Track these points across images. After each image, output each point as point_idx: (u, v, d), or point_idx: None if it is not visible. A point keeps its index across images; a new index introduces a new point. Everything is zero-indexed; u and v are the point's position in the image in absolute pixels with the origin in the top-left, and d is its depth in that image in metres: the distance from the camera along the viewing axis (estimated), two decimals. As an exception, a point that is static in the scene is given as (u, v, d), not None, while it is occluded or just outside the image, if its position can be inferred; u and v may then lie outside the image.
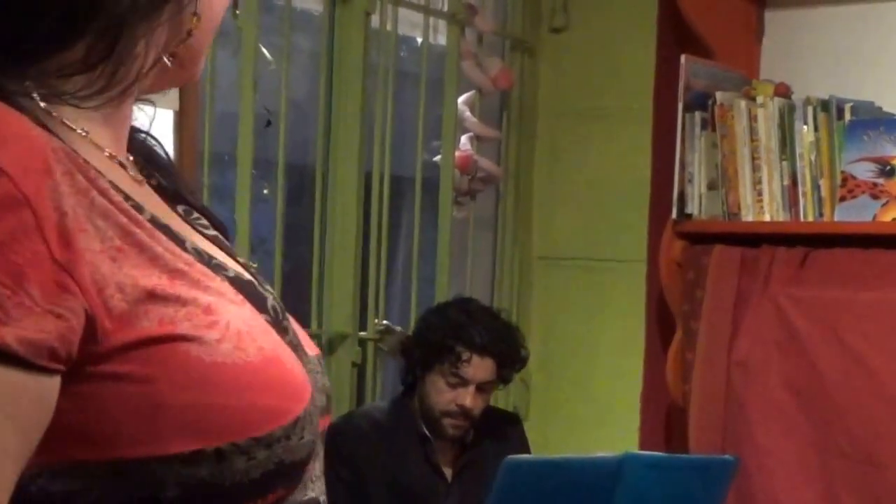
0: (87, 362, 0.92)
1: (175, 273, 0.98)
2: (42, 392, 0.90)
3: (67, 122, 1.01)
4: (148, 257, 0.96)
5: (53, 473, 0.94)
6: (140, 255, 0.96)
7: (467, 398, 3.13)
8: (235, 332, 0.98)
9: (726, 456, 3.10)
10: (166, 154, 1.22)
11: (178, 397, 0.94)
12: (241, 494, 0.97)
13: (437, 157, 3.81)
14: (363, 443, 3.11)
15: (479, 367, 3.14)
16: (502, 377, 3.23)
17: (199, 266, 1.01)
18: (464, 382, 3.13)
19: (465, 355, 3.12)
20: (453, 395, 3.13)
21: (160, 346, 0.94)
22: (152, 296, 0.95)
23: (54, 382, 0.90)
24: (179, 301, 0.96)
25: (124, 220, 0.96)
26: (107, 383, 0.93)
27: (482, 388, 3.16)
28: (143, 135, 1.20)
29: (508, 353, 3.21)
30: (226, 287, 1.03)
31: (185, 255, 1.01)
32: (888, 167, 3.34)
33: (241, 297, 1.03)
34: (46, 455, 0.93)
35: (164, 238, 1.00)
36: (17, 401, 0.88)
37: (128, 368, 0.93)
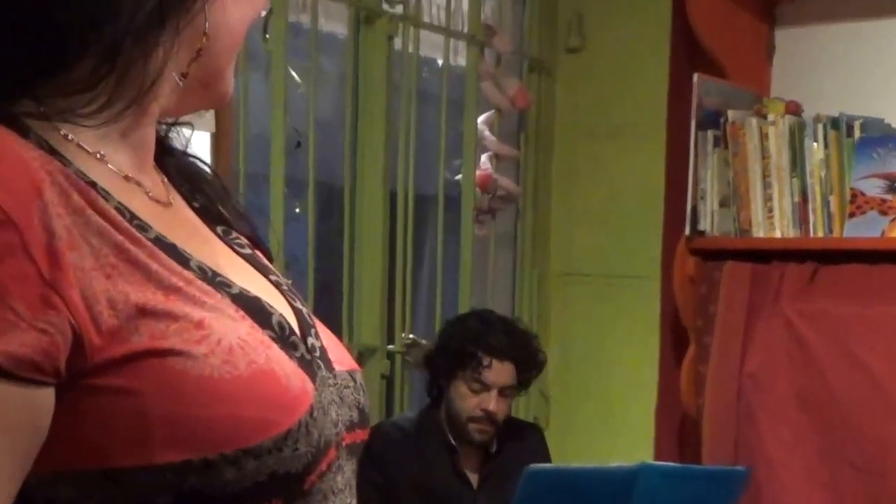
0: (78, 376, 0.92)
1: (170, 289, 0.98)
2: (31, 404, 0.90)
3: (84, 146, 1.02)
4: (143, 274, 0.97)
5: (56, 482, 0.96)
6: (135, 272, 0.96)
7: (491, 402, 3.16)
8: (226, 347, 0.98)
9: (738, 467, 3.11)
10: (215, 177, 1.24)
11: (164, 410, 0.94)
12: (233, 502, 0.98)
13: (458, 176, 3.83)
14: (393, 450, 3.15)
15: (500, 372, 3.18)
16: (522, 382, 3.26)
17: (199, 283, 1.01)
18: (486, 387, 3.17)
19: (486, 361, 3.16)
20: (477, 400, 3.17)
21: (148, 361, 0.94)
22: (144, 311, 0.95)
23: (44, 395, 0.91)
24: (171, 316, 0.96)
25: (121, 238, 0.97)
26: (98, 396, 0.93)
27: (504, 393, 3.20)
28: (193, 158, 1.22)
29: (527, 357, 3.25)
30: (226, 303, 1.02)
31: (185, 272, 1.01)
32: (896, 184, 3.35)
33: (241, 313, 1.03)
34: (48, 464, 0.94)
35: (164, 256, 1.00)
36: (5, 413, 0.89)
37: (117, 382, 0.93)
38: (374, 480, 3.04)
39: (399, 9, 3.57)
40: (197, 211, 1.17)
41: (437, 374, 3.27)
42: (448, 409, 3.22)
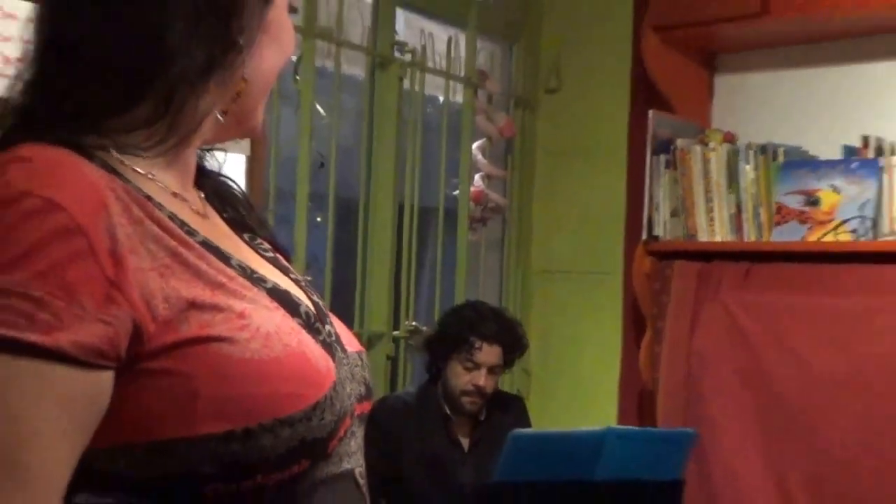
0: (136, 360, 0.91)
1: (215, 285, 0.97)
2: (94, 386, 0.90)
3: (137, 169, 1.00)
4: (193, 273, 0.96)
5: (111, 454, 0.94)
6: (186, 271, 0.95)
7: (480, 378, 3.10)
8: (264, 333, 0.96)
9: (688, 429, 3.07)
10: (242, 193, 1.21)
11: (211, 388, 0.93)
12: (269, 466, 0.95)
13: (456, 192, 3.82)
14: (396, 421, 3.09)
15: (489, 353, 3.12)
16: (507, 361, 3.20)
17: (240, 279, 1.00)
18: (477, 366, 3.11)
19: (478, 344, 3.10)
20: (469, 377, 3.11)
21: (197, 346, 0.93)
22: (193, 304, 0.94)
23: (105, 377, 0.90)
24: (217, 308, 0.95)
25: (174, 243, 0.96)
26: (153, 377, 0.92)
27: (492, 371, 3.14)
28: (224, 178, 1.19)
29: (512, 341, 3.19)
30: (262, 296, 1.01)
31: (228, 270, 0.99)
32: (812, 198, 3.33)
33: (275, 304, 1.01)
34: (105, 438, 0.92)
35: (211, 257, 0.99)
36: (71, 393, 0.88)
37: (170, 365, 0.92)
38: (379, 449, 2.99)
39: (408, 56, 3.58)
40: (227, 221, 1.15)
41: (435, 355, 3.20)
42: (444, 384, 3.16)
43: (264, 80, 1.09)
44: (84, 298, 0.88)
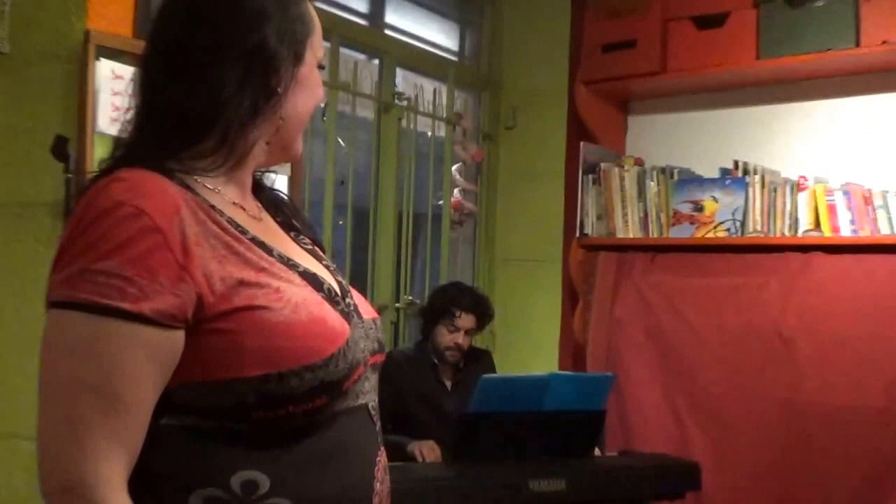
0: (201, 323, 0.93)
1: (259, 269, 0.97)
2: (168, 341, 0.91)
3: (206, 185, 1.02)
4: (242, 260, 0.97)
5: (182, 389, 0.95)
6: (237, 260, 0.96)
7: (459, 338, 3.10)
8: (294, 303, 0.97)
9: (608, 373, 3.09)
10: (290, 201, 1.21)
11: (254, 342, 0.94)
12: (296, 399, 0.96)
13: (440, 202, 3.80)
14: (398, 369, 3.08)
15: (466, 320, 3.11)
16: (479, 325, 3.19)
17: (279, 265, 1.00)
18: (457, 329, 3.10)
19: (458, 313, 3.09)
20: (451, 337, 3.10)
21: (245, 313, 0.94)
22: (242, 283, 0.95)
23: (177, 335, 0.92)
24: (259, 286, 0.96)
25: (228, 238, 0.97)
26: (213, 335, 0.94)
27: (468, 333, 3.13)
28: (277, 191, 1.20)
29: (483, 311, 3.17)
30: (295, 277, 1.01)
31: (269, 258, 1.00)
32: (699, 206, 3.34)
33: (304, 282, 1.01)
34: (178, 378, 0.94)
35: (257, 249, 0.99)
36: (152, 345, 0.90)
37: (225, 326, 0.93)
38: (386, 390, 2.99)
39: (405, 103, 3.55)
40: (279, 223, 1.15)
41: (426, 321, 3.19)
42: (433, 342, 3.14)
43: (298, 119, 1.08)
44: (161, 278, 0.89)
